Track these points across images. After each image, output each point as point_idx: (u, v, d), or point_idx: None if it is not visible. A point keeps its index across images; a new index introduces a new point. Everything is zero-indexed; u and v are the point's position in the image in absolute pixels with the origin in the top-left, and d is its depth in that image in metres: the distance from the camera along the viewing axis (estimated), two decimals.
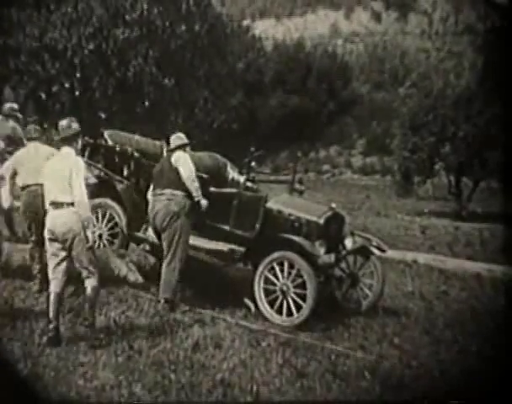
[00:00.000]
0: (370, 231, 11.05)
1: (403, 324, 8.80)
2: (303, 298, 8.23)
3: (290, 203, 9.16)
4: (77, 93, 25.77)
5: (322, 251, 8.47)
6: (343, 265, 9.29)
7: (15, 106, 11.05)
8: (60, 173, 6.83)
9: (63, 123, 7.12)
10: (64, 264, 6.89)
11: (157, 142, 10.69)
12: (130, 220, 9.49)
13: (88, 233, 6.80)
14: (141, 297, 8.44)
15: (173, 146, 8.76)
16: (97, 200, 9.77)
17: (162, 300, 8.35)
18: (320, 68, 43.14)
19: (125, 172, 9.69)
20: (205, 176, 9.06)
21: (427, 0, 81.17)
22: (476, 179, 25.79)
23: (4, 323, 7.04)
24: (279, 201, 9.06)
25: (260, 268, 8.53)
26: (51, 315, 6.81)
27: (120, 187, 9.59)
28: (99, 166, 9.93)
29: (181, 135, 8.95)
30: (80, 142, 7.41)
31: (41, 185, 7.78)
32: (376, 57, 67.31)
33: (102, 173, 9.94)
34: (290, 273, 8.34)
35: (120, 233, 9.54)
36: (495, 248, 15.59)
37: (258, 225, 8.74)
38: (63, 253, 6.85)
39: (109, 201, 9.64)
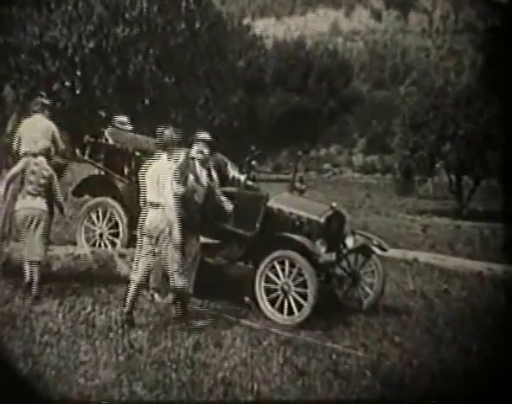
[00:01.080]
0: (370, 230, 11.08)
1: (404, 323, 8.80)
2: (304, 297, 8.22)
3: (291, 202, 9.14)
4: (77, 91, 25.74)
5: (322, 250, 8.47)
6: (344, 264, 9.28)
7: (125, 119, 11.00)
8: (155, 177, 7.56)
9: (165, 132, 7.74)
10: (149, 259, 7.60)
11: None
12: (131, 218, 9.49)
13: (175, 233, 7.50)
14: (142, 296, 8.42)
15: None
16: (98, 199, 9.78)
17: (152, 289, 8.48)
18: (320, 67, 43.10)
19: (126, 171, 9.69)
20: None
21: None
22: (476, 178, 25.81)
23: (5, 322, 7.04)
24: (279, 200, 9.03)
25: (261, 267, 8.52)
26: (127, 301, 7.52)
27: (120, 185, 9.60)
28: (100, 164, 9.93)
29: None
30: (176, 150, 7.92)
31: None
32: (377, 55, 67.40)
33: (102, 172, 9.95)
34: (291, 272, 8.34)
35: (121, 232, 9.54)
36: (496, 247, 15.59)
37: (258, 225, 8.73)
38: (149, 248, 7.58)
39: (109, 200, 9.64)
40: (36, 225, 8.21)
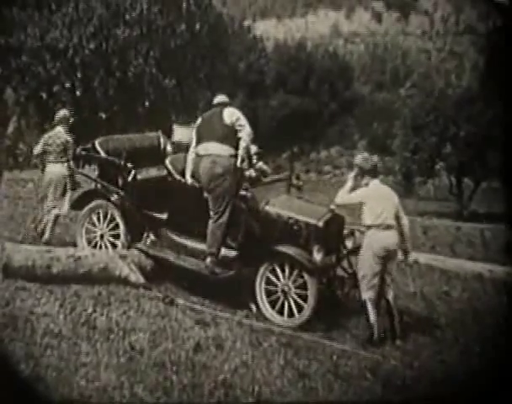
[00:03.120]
0: None
1: (405, 324, 8.79)
2: (304, 299, 8.23)
3: (290, 205, 9.11)
4: (77, 92, 25.75)
5: (319, 257, 8.43)
6: (345, 265, 9.26)
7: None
8: (388, 201, 8.25)
9: (373, 159, 8.40)
10: (377, 278, 8.15)
11: (153, 134, 10.66)
12: (130, 231, 9.50)
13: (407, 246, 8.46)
14: (143, 297, 8.43)
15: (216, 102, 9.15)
16: (98, 201, 9.76)
17: (208, 255, 8.70)
18: (321, 69, 43.04)
19: (120, 183, 9.65)
20: (197, 184, 9.07)
21: (428, 0, 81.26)
22: (477, 179, 25.78)
23: (6, 324, 7.03)
24: (278, 204, 9.00)
25: (261, 269, 8.53)
26: (371, 318, 8.03)
27: (114, 198, 9.58)
28: (94, 177, 9.92)
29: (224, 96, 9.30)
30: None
31: None
32: (377, 58, 67.37)
33: (98, 185, 9.92)
34: (291, 274, 8.34)
35: (122, 234, 9.53)
36: (497, 249, 15.54)
37: (240, 237, 8.76)
38: (378, 268, 8.10)
39: (110, 202, 9.62)
40: (57, 187, 10.16)
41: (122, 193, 9.61)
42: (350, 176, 8.51)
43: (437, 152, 25.43)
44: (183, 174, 9.28)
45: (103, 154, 9.88)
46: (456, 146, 24.61)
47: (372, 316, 8.03)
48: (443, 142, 25.04)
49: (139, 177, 9.62)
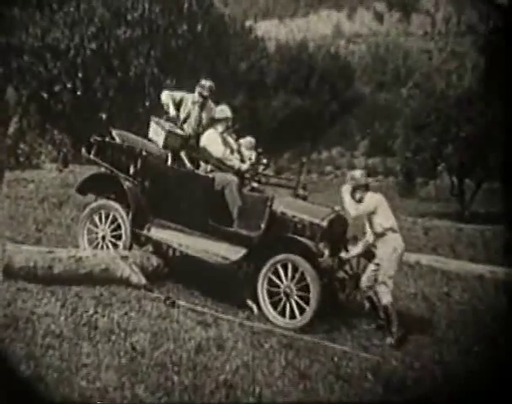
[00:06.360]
0: None
1: (406, 325, 8.80)
2: (306, 301, 8.22)
3: (294, 205, 9.13)
4: (78, 93, 25.74)
5: (326, 252, 8.45)
6: (346, 267, 9.26)
7: None
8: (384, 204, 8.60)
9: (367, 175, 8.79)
10: None
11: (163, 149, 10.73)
12: (135, 217, 9.49)
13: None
14: (144, 298, 8.43)
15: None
16: (100, 202, 9.78)
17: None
18: (323, 69, 43.09)
19: (132, 171, 9.67)
20: (211, 175, 9.22)
21: (429, 0, 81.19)
22: (478, 180, 25.75)
23: (7, 324, 7.04)
24: (282, 203, 9.03)
25: (264, 270, 8.52)
26: (394, 322, 8.38)
27: (126, 184, 9.56)
28: (106, 163, 9.92)
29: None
30: None
31: None
32: (379, 58, 67.21)
33: (108, 170, 9.93)
34: (293, 276, 8.34)
35: (124, 235, 9.53)
36: (497, 250, 15.55)
37: (263, 225, 8.75)
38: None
39: (112, 203, 9.63)
40: None
41: (132, 180, 9.64)
42: (346, 190, 8.62)
43: (438, 153, 25.41)
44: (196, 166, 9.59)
45: (118, 141, 9.98)
46: (457, 147, 24.59)
47: (395, 320, 8.26)
48: (444, 143, 25.02)
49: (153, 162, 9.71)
